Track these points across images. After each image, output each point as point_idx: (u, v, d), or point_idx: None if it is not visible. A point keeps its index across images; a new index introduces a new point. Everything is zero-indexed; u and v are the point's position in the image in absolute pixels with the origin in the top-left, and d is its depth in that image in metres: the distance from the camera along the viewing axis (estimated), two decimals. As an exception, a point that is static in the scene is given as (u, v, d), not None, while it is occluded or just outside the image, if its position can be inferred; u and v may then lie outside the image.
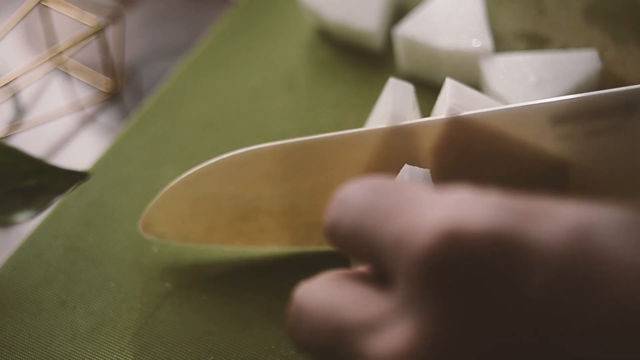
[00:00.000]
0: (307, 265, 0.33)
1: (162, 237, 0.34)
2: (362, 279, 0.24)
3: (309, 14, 0.43)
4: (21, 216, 0.31)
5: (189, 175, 0.33)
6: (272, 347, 0.31)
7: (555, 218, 0.20)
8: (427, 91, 0.37)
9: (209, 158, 0.38)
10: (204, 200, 0.33)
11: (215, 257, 0.34)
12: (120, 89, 0.44)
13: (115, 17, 0.44)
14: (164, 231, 0.34)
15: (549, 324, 0.19)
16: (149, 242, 0.35)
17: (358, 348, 0.21)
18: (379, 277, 0.23)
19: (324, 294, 0.23)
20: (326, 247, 0.28)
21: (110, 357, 0.31)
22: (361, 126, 0.38)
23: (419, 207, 0.21)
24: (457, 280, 0.20)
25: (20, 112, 0.44)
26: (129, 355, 0.31)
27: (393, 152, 0.31)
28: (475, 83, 0.37)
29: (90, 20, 0.43)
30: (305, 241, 0.34)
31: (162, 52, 0.47)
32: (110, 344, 0.31)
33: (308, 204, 0.33)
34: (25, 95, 0.45)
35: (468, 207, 0.20)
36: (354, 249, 0.23)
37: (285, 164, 0.32)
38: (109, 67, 0.44)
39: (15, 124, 0.43)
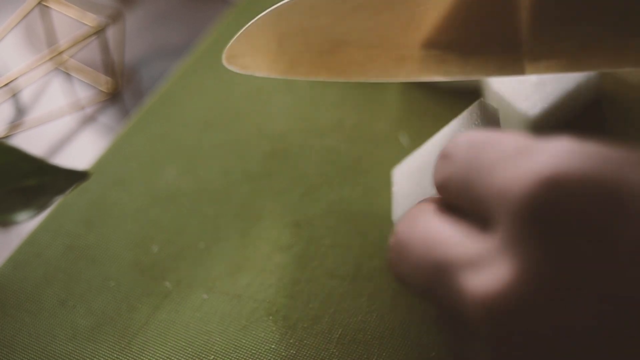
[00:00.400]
0: (308, 264, 0.33)
1: (246, 69, 0.33)
2: (461, 217, 0.25)
3: None
4: (21, 216, 0.31)
5: (277, 7, 0.32)
6: (272, 347, 0.31)
7: None
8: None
9: (210, 158, 0.38)
10: (291, 34, 0.33)
11: (215, 257, 0.34)
12: (120, 88, 0.44)
13: (115, 17, 0.44)
14: (248, 63, 0.34)
15: None
16: (149, 242, 0.35)
17: (458, 283, 0.22)
18: (480, 221, 0.24)
19: (425, 230, 0.25)
20: (412, 79, 0.32)
21: (110, 356, 0.31)
22: (362, 126, 0.38)
23: (522, 157, 0.22)
24: (558, 225, 0.20)
25: (20, 112, 0.44)
26: (129, 355, 0.31)
27: None
28: (475, 83, 0.37)
29: (91, 20, 0.43)
30: (394, 73, 0.33)
31: (162, 52, 0.47)
32: (111, 343, 0.31)
33: (400, 38, 0.33)
34: (25, 95, 0.45)
35: (570, 155, 0.21)
36: (461, 202, 0.25)
37: None
38: (109, 67, 0.44)
39: (16, 123, 0.43)
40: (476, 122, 0.31)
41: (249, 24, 0.32)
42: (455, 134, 0.27)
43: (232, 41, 0.33)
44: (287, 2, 0.32)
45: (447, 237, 0.24)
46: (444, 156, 0.26)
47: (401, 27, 0.33)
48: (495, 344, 0.22)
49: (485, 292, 0.21)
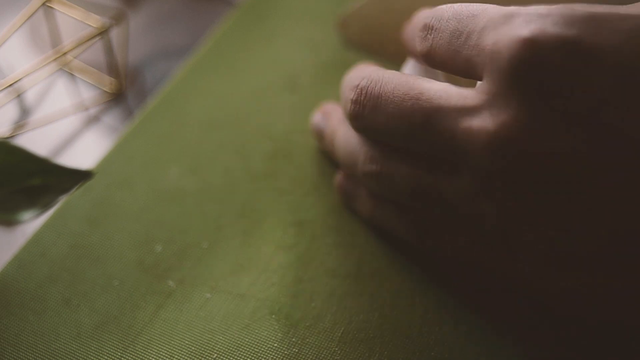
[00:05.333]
0: (310, 263, 0.33)
1: (351, 42, 0.38)
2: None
3: None
4: (26, 215, 0.31)
5: None
6: (275, 345, 0.31)
7: (616, 25, 0.24)
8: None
9: (213, 158, 0.38)
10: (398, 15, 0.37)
11: (218, 256, 0.34)
12: (124, 89, 0.45)
13: (119, 18, 0.45)
14: (356, 39, 0.38)
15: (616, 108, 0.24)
16: (152, 241, 0.35)
17: (455, 126, 0.26)
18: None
19: (401, 81, 0.29)
20: None
21: (114, 355, 0.31)
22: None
23: (508, 22, 0.25)
24: (541, 78, 0.24)
25: (25, 113, 0.44)
26: (133, 353, 0.31)
27: None
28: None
29: (95, 21, 0.44)
30: None
31: (165, 53, 0.47)
32: (114, 342, 0.32)
33: None
34: (30, 96, 0.45)
35: (545, 20, 0.24)
36: (447, 67, 0.29)
37: None
38: (113, 68, 0.44)
39: (20, 124, 0.43)
40: None
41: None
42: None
43: (346, 13, 0.37)
44: None
45: (428, 88, 0.28)
46: (427, 28, 0.29)
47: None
48: (497, 172, 0.25)
49: (490, 129, 0.25)
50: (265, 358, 0.30)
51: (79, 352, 0.31)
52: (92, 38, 0.43)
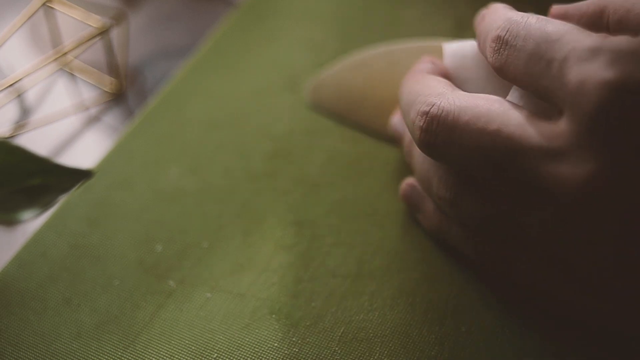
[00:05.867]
0: (310, 263, 0.33)
1: (322, 108, 0.38)
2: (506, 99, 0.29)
3: None
4: (26, 215, 0.31)
5: (352, 61, 0.37)
6: (275, 345, 0.31)
7: None
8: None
9: (213, 158, 0.38)
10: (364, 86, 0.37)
11: (219, 256, 0.34)
12: (124, 89, 0.45)
13: (119, 18, 0.45)
14: (327, 105, 0.38)
15: None
16: (152, 241, 0.35)
17: (539, 169, 0.26)
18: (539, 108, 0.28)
19: (477, 113, 0.28)
20: None
21: (115, 354, 0.31)
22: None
23: (594, 57, 0.25)
24: (626, 126, 0.24)
25: (25, 112, 0.44)
26: (133, 353, 0.31)
27: None
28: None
29: (95, 21, 0.44)
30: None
31: (166, 53, 0.47)
32: (115, 342, 0.32)
33: None
34: (30, 96, 0.45)
35: (632, 60, 0.24)
36: (521, 86, 0.28)
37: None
38: (113, 68, 0.44)
39: (21, 124, 0.43)
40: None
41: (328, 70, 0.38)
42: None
43: (316, 80, 0.38)
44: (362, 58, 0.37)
45: (507, 122, 0.27)
46: (501, 41, 0.28)
47: None
48: (582, 221, 0.25)
49: (581, 176, 0.25)
50: (265, 357, 0.30)
51: (80, 351, 0.31)
52: (93, 38, 0.43)
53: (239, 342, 0.31)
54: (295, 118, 0.40)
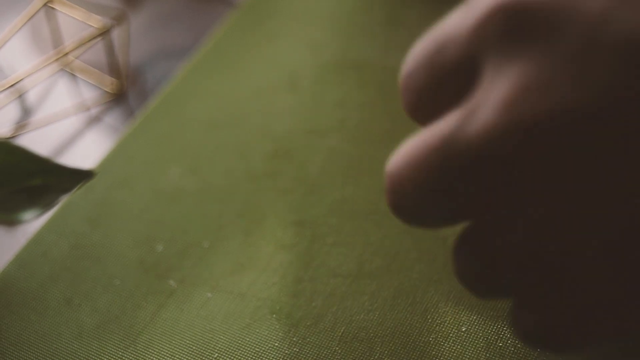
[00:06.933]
0: (311, 263, 0.34)
1: None
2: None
3: None
4: (27, 215, 0.31)
5: None
6: (276, 344, 0.31)
7: None
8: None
9: (213, 158, 0.38)
10: None
11: (219, 256, 0.34)
12: (125, 89, 0.45)
13: (120, 19, 0.45)
14: None
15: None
16: (153, 241, 0.35)
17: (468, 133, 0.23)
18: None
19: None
20: None
21: (115, 354, 0.31)
22: (364, 127, 0.39)
23: None
24: (528, 28, 0.22)
25: (26, 113, 0.44)
26: (134, 352, 0.31)
27: None
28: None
29: (96, 21, 0.44)
30: None
31: (166, 53, 0.47)
32: (116, 342, 0.32)
33: None
34: (31, 96, 0.45)
35: None
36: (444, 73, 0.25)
37: None
38: (114, 68, 0.45)
39: (22, 124, 0.43)
40: None
41: None
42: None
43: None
44: None
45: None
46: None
47: None
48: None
49: (495, 103, 0.22)
50: (266, 357, 0.30)
51: (80, 351, 0.31)
52: (94, 38, 0.43)
53: (239, 341, 0.31)
54: (295, 118, 0.40)
